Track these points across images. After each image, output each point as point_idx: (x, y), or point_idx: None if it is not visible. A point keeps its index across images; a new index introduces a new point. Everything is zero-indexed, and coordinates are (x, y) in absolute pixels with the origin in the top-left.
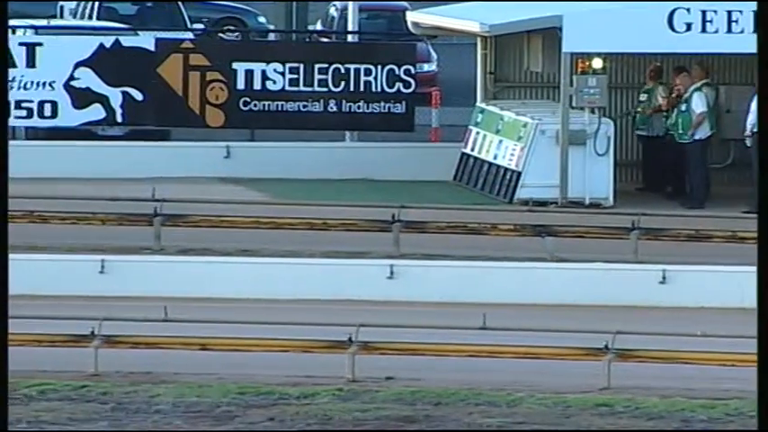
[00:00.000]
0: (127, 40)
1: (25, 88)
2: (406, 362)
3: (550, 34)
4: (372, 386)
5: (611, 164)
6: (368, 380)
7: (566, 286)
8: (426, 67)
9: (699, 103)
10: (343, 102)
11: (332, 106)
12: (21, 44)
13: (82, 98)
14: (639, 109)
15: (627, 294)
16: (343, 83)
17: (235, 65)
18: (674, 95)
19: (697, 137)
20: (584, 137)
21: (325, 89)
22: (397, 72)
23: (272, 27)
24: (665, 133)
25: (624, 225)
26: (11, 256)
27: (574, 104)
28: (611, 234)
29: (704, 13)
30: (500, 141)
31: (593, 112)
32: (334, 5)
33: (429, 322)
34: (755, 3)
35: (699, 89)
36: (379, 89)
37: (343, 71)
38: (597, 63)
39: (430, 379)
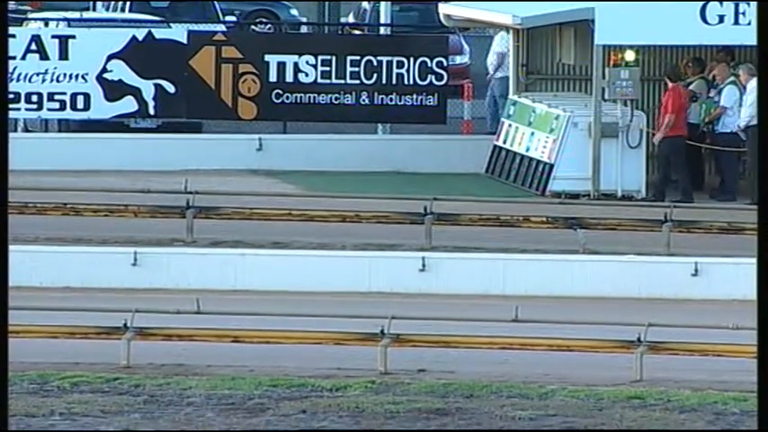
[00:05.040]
0: (159, 33)
1: (58, 81)
2: (438, 354)
3: (583, 26)
4: (404, 378)
5: (644, 156)
6: (400, 372)
7: (598, 279)
8: (458, 59)
9: (726, 97)
10: (376, 94)
11: (364, 99)
12: (54, 36)
13: (114, 90)
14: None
15: (659, 287)
16: (375, 75)
17: (267, 57)
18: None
19: (728, 129)
20: (617, 129)
21: (357, 81)
22: (429, 64)
23: (304, 19)
24: (700, 122)
25: (656, 217)
26: (44, 248)
27: (606, 97)
28: (643, 226)
29: (737, 5)
30: (532, 134)
31: (625, 104)
32: None
33: (461, 315)
34: None
35: (734, 82)
36: (411, 81)
37: (375, 63)
38: (630, 55)
39: (462, 371)
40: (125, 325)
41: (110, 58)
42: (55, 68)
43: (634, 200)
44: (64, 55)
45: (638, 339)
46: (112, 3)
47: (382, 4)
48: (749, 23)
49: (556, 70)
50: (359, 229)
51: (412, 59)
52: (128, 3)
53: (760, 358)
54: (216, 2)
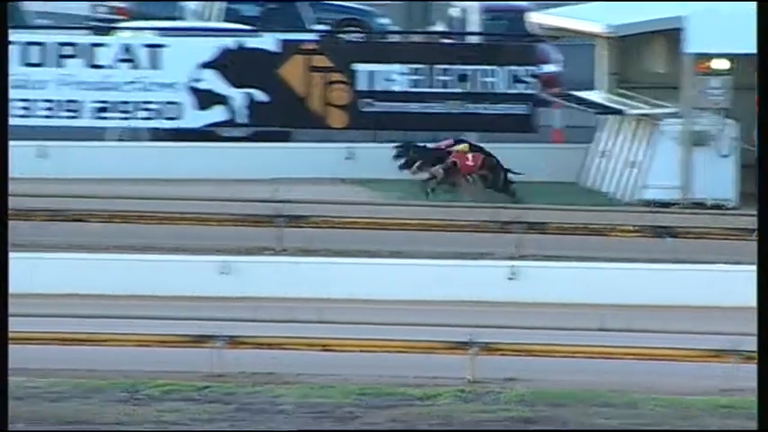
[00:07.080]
0: (250, 42)
1: (149, 90)
2: (525, 363)
3: (673, 35)
4: (494, 387)
5: (736, 165)
6: (489, 381)
7: (687, 288)
8: (549, 67)
9: None
10: (465, 102)
11: (453, 107)
12: (144, 46)
13: (205, 99)
14: None
15: (749, 296)
16: (464, 83)
17: (356, 66)
18: None
19: None
20: (708, 138)
21: (446, 90)
22: (519, 73)
23: (393, 28)
24: None
25: (746, 226)
26: (136, 256)
27: (697, 106)
28: (733, 235)
29: None
30: (623, 142)
31: (717, 113)
32: (457, 6)
33: (548, 323)
34: None
35: None
36: (501, 90)
37: (464, 72)
38: (719, 63)
39: (548, 380)
40: (215, 333)
41: (200, 67)
42: (146, 78)
43: (725, 209)
44: (155, 64)
45: (731, 349)
46: (204, 12)
47: (472, 12)
48: None
49: (646, 79)
50: (447, 237)
51: (502, 68)
52: (219, 12)
53: (760, 363)
54: (305, 11)
